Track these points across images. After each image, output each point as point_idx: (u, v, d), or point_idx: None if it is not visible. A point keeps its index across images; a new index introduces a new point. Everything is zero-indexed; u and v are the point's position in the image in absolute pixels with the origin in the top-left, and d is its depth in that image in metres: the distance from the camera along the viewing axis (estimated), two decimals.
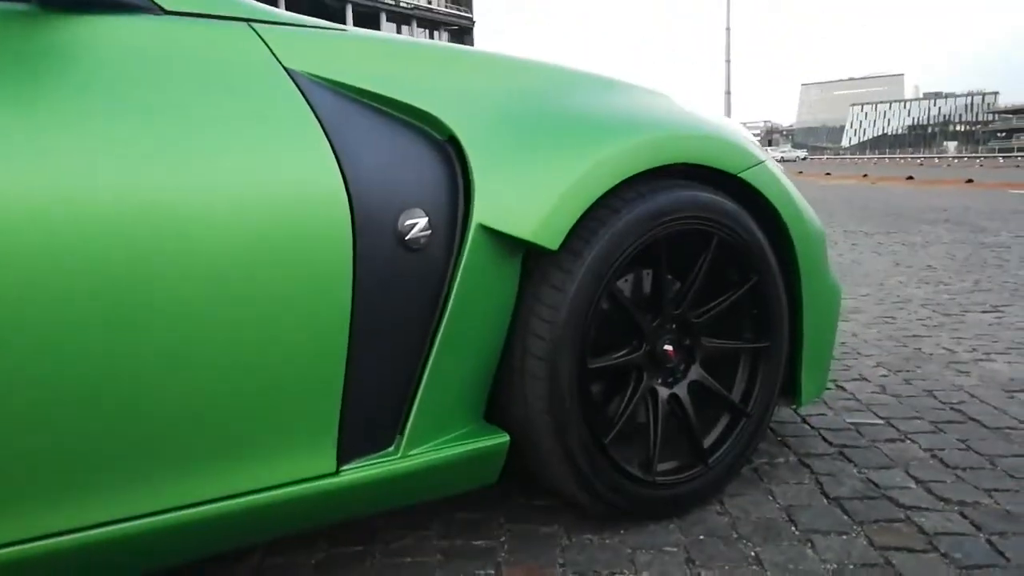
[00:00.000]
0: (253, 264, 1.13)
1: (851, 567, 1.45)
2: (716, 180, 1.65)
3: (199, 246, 1.09)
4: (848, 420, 2.21)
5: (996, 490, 1.76)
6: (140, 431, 1.09)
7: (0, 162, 0.98)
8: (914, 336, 3.23)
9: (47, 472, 1.04)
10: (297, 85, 1.22)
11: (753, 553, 1.51)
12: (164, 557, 1.15)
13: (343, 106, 1.26)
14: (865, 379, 2.62)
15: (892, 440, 2.06)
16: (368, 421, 1.28)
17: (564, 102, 1.50)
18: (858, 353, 2.97)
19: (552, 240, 1.38)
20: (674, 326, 1.65)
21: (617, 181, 1.46)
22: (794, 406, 1.94)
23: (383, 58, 1.34)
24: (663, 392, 1.64)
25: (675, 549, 1.52)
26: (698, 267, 1.63)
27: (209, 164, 1.10)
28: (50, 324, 1.01)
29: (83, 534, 1.07)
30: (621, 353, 1.57)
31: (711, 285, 1.69)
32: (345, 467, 1.26)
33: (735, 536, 1.57)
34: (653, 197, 1.52)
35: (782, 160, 59.69)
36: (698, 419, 1.69)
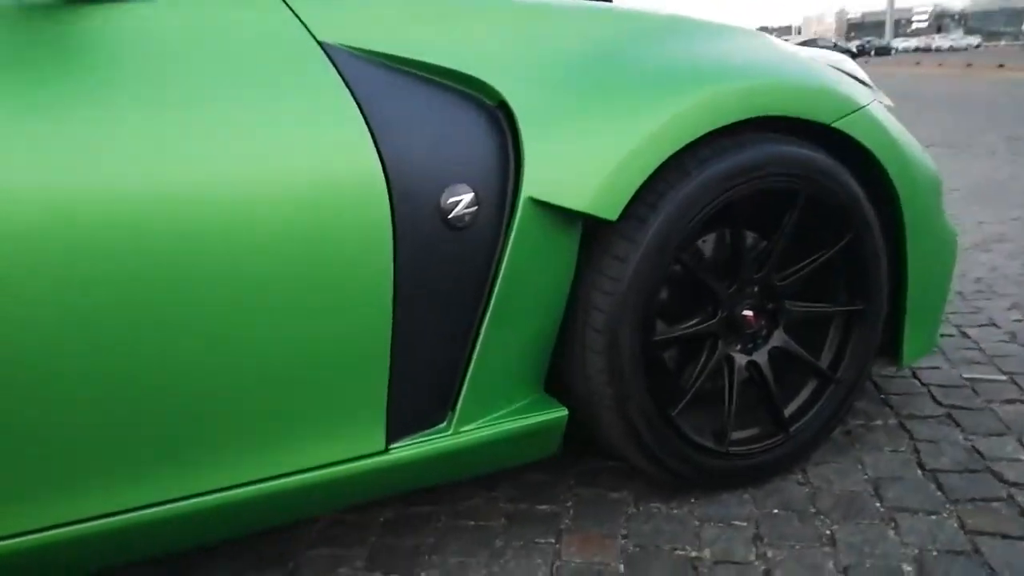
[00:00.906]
0: (290, 245, 1.13)
1: (934, 553, 1.36)
2: (810, 130, 1.52)
3: (234, 230, 1.10)
4: (965, 375, 2.05)
5: None
6: (188, 416, 1.13)
7: (32, 153, 1.01)
8: None
9: (107, 453, 1.10)
10: (330, 58, 1.19)
11: (828, 532, 1.44)
12: (220, 532, 1.21)
13: (380, 77, 1.22)
14: (995, 324, 2.41)
15: (1011, 401, 1.89)
16: (417, 399, 1.29)
17: (626, 53, 1.39)
18: (993, 292, 2.73)
19: (611, 211, 1.31)
20: (756, 289, 1.55)
21: (687, 141, 1.36)
22: (896, 367, 1.81)
23: (422, 20, 1.28)
24: (740, 359, 1.56)
25: (745, 524, 1.47)
26: (783, 227, 1.51)
27: (238, 147, 1.10)
28: (96, 306, 1.05)
29: (154, 509, 1.14)
30: (692, 323, 1.50)
31: (800, 245, 1.58)
32: (395, 445, 1.28)
33: (812, 511, 1.50)
34: (730, 154, 1.41)
35: (950, 49, 54.55)
36: (782, 385, 1.60)
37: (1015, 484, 1.54)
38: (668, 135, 1.34)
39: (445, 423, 1.32)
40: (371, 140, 1.17)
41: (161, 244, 1.07)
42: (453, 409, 1.32)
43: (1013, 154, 5.94)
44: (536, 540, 1.46)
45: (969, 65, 23.74)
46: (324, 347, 1.18)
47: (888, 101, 1.77)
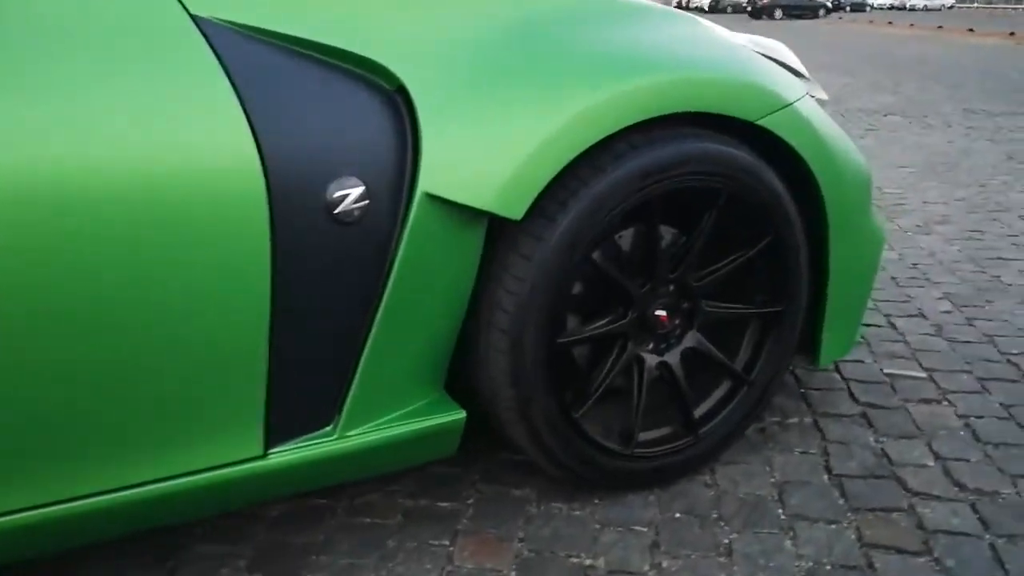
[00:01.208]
0: (156, 242, 1.05)
1: (827, 567, 1.35)
2: (734, 125, 1.45)
3: (94, 227, 1.01)
4: (886, 370, 2.04)
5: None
6: (52, 418, 1.06)
7: None
8: (999, 259, 2.93)
9: None
10: (204, 35, 1.09)
11: (727, 540, 1.41)
12: (91, 535, 1.15)
13: (261, 57, 1.12)
14: (923, 315, 2.40)
15: (927, 400, 1.88)
16: (300, 403, 1.22)
17: (538, 39, 1.31)
18: (927, 279, 2.72)
19: (515, 209, 1.24)
20: (672, 289, 1.50)
21: (599, 137, 1.29)
22: (811, 366, 1.78)
23: None
24: (651, 360, 1.52)
25: (645, 529, 1.45)
26: (701, 226, 1.46)
27: (96, 136, 1.01)
28: None
29: (23, 514, 1.07)
30: (600, 323, 1.44)
31: (720, 244, 1.52)
32: (275, 450, 1.22)
33: (715, 516, 1.48)
34: (648, 151, 1.34)
35: (925, 9, 54.49)
36: (694, 386, 1.57)
37: (917, 493, 1.53)
38: (580, 130, 1.26)
39: (331, 427, 1.26)
40: (248, 127, 1.08)
41: (20, 242, 0.98)
42: (340, 412, 1.25)
43: (968, 128, 5.95)
44: (430, 542, 1.41)
45: (940, 27, 23.75)
46: (195, 349, 1.11)
47: (823, 94, 1.71)
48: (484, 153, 1.21)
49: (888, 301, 2.51)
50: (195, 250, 1.07)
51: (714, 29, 1.61)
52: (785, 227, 1.51)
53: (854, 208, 1.60)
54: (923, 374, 2.02)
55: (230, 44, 1.10)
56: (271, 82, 1.12)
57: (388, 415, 1.30)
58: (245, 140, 1.08)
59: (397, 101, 1.21)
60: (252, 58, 1.12)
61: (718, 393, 1.59)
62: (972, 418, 1.81)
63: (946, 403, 1.88)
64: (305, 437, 1.25)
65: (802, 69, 1.71)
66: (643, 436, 1.53)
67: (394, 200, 1.20)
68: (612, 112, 1.29)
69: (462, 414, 1.35)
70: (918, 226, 3.36)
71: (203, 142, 1.06)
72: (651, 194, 1.36)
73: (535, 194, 1.25)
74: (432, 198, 1.20)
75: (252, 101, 1.09)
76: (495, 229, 1.32)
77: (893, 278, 2.72)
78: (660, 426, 1.56)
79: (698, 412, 1.57)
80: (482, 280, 1.34)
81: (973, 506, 1.50)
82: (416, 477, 1.59)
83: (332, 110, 1.15)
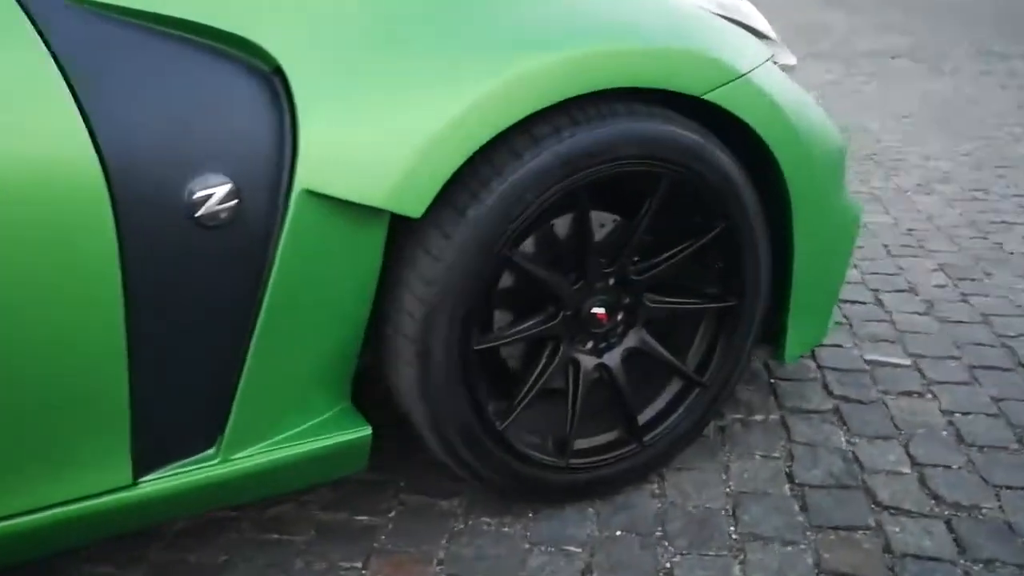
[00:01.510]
0: None
1: None
2: (682, 101, 1.27)
3: None
4: (867, 356, 1.88)
5: (1009, 487, 1.44)
6: None
7: None
8: (1002, 223, 2.74)
9: None
10: (22, 5, 0.92)
11: (668, 564, 1.28)
12: None
13: (98, 34, 0.95)
14: (914, 291, 2.23)
15: (909, 393, 1.73)
16: (172, 427, 1.08)
17: (445, 8, 1.13)
18: (921, 247, 2.54)
19: (414, 206, 1.08)
20: (611, 284, 1.34)
21: (512, 120, 1.11)
22: (776, 359, 1.63)
23: None
24: (587, 362, 1.36)
25: (579, 550, 1.31)
26: (638, 217, 1.29)
27: None
28: None
29: None
30: (525, 326, 1.29)
31: (666, 234, 1.36)
32: (146, 478, 1.08)
33: (658, 534, 1.34)
34: (573, 134, 1.17)
35: None
36: (639, 389, 1.42)
37: (887, 507, 1.39)
38: (490, 112, 1.09)
39: (214, 450, 1.12)
40: (79, 115, 0.92)
41: None
42: (222, 435, 1.11)
43: (980, 72, 5.66)
44: (341, 564, 1.28)
45: None
46: (43, 375, 0.97)
47: (791, 58, 1.51)
48: (374, 141, 1.05)
49: (877, 274, 2.33)
50: (27, 263, 0.92)
51: None
52: (739, 213, 1.34)
53: (821, 188, 1.42)
54: (907, 361, 1.86)
55: (57, 17, 0.93)
56: (110, 63, 0.95)
57: (280, 434, 1.16)
58: (75, 131, 0.91)
59: (274, 84, 1.04)
60: (85, 35, 0.94)
61: (667, 396, 1.44)
62: (957, 414, 1.65)
63: (930, 396, 1.72)
64: (183, 463, 1.11)
65: (768, 30, 1.52)
66: (582, 444, 1.38)
67: (270, 199, 1.03)
68: (528, 91, 1.11)
69: (367, 430, 1.20)
70: (918, 185, 3.15)
71: (24, 134, 0.89)
72: (578, 183, 1.19)
73: (437, 187, 1.08)
74: (314, 195, 1.03)
75: (85, 85, 0.93)
76: (401, 224, 1.16)
77: (885, 246, 2.54)
78: (601, 432, 1.41)
79: (644, 417, 1.42)
80: (387, 281, 1.19)
81: (949, 523, 1.35)
82: (335, 485, 1.46)
83: (192, 96, 0.98)
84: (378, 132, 1.05)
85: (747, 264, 1.38)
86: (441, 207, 1.15)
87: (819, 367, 1.83)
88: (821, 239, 1.46)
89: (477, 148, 1.10)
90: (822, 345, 1.91)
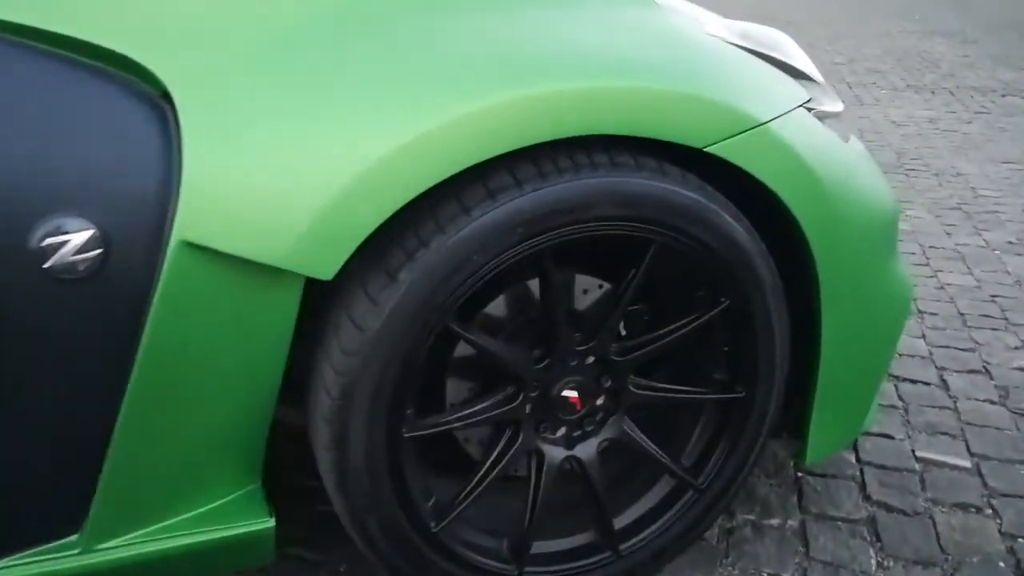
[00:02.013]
0: None
1: None
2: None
3: None
4: (919, 453, 1.59)
5: None
6: None
7: None
8: None
9: None
10: None
11: None
12: None
13: None
14: (988, 372, 1.92)
15: (965, 506, 1.44)
16: (27, 508, 0.92)
17: (388, 28, 0.94)
18: (1005, 318, 2.20)
19: (321, 266, 0.89)
20: (589, 362, 1.12)
21: (455, 169, 0.91)
22: (797, 459, 1.38)
23: None
24: (554, 453, 1.14)
25: None
26: (620, 290, 1.07)
27: None
28: None
29: None
30: (473, 410, 1.08)
31: (663, 308, 1.14)
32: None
33: None
34: (538, 188, 0.96)
35: None
36: (622, 485, 1.20)
37: None
38: (425, 157, 0.89)
39: (77, 537, 0.95)
40: None
41: None
42: (87, 520, 0.94)
43: None
44: None
45: None
46: None
47: (835, 104, 1.26)
48: (275, 187, 0.86)
49: (947, 348, 2.03)
50: None
51: (678, 14, 1.19)
52: (751, 287, 1.10)
53: (858, 258, 1.17)
54: (968, 463, 1.57)
55: None
56: None
57: (160, 521, 0.98)
58: None
59: (160, 113, 0.86)
60: None
61: (654, 497, 1.21)
62: (1020, 539, 1.36)
63: (989, 512, 1.43)
64: (40, 549, 0.94)
65: (811, 71, 1.27)
66: (543, 548, 1.17)
67: (151, 249, 0.86)
68: (481, 132, 0.91)
69: (269, 523, 1.02)
70: (1010, 243, 2.80)
71: None
72: (542, 245, 0.98)
73: (352, 246, 0.89)
74: (197, 248, 0.85)
75: None
76: (324, 283, 0.97)
77: (961, 314, 2.23)
78: (568, 535, 1.19)
79: (623, 521, 1.19)
80: (314, 348, 1.00)
81: None
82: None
83: (52, 121, 0.82)
84: (281, 176, 0.86)
85: (761, 348, 1.14)
86: (368, 266, 0.96)
87: (858, 461, 1.56)
88: (857, 319, 1.21)
89: (408, 200, 0.90)
90: (868, 434, 1.64)
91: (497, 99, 0.91)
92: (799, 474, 1.52)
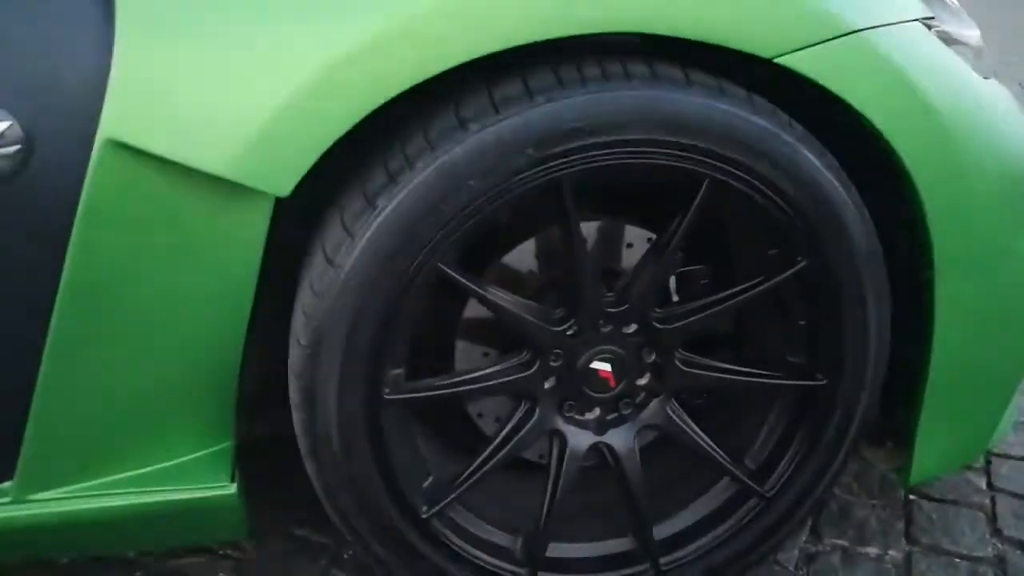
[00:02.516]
0: None
1: None
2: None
3: None
4: None
5: None
6: None
7: None
8: None
9: None
10: None
11: None
12: None
13: None
14: None
15: None
16: None
17: None
18: None
19: (273, 179, 0.74)
20: (629, 330, 0.91)
21: (447, 66, 0.74)
22: (901, 485, 1.11)
23: None
24: (579, 438, 0.94)
25: None
26: (666, 236, 0.87)
27: None
28: None
29: None
30: (469, 376, 0.90)
31: (720, 268, 0.93)
32: None
33: None
34: (554, 99, 0.77)
35: None
36: (670, 485, 0.99)
37: None
38: (408, 50, 0.73)
39: (9, 483, 0.84)
40: None
41: None
42: (15, 466, 0.83)
43: None
44: None
45: None
46: None
47: (971, 29, 1.00)
48: (220, 79, 0.72)
49: None
50: None
51: None
52: (838, 248, 0.87)
53: (988, 223, 0.91)
54: None
55: None
56: None
57: (105, 475, 0.86)
58: None
59: None
60: None
61: (709, 503, 0.99)
62: None
63: None
64: None
65: None
66: (565, 551, 0.97)
67: (81, 147, 0.73)
68: (480, 18, 0.73)
69: (229, 488, 0.87)
70: None
71: None
72: (558, 172, 0.79)
73: (311, 157, 0.74)
74: (128, 149, 0.72)
75: None
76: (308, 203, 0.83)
77: None
78: (599, 538, 0.99)
79: (667, 529, 0.98)
80: (279, 288, 0.86)
81: None
82: (260, 537, 1.14)
83: None
84: (229, 66, 0.72)
85: (848, 325, 0.91)
86: (347, 189, 0.80)
87: (990, 487, 1.27)
88: (982, 303, 0.94)
89: (385, 99, 0.73)
90: (998, 454, 1.33)
91: None
92: (910, 496, 1.24)
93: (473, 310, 0.93)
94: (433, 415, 0.98)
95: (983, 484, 1.28)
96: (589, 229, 0.91)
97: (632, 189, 0.91)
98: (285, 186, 0.74)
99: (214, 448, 0.90)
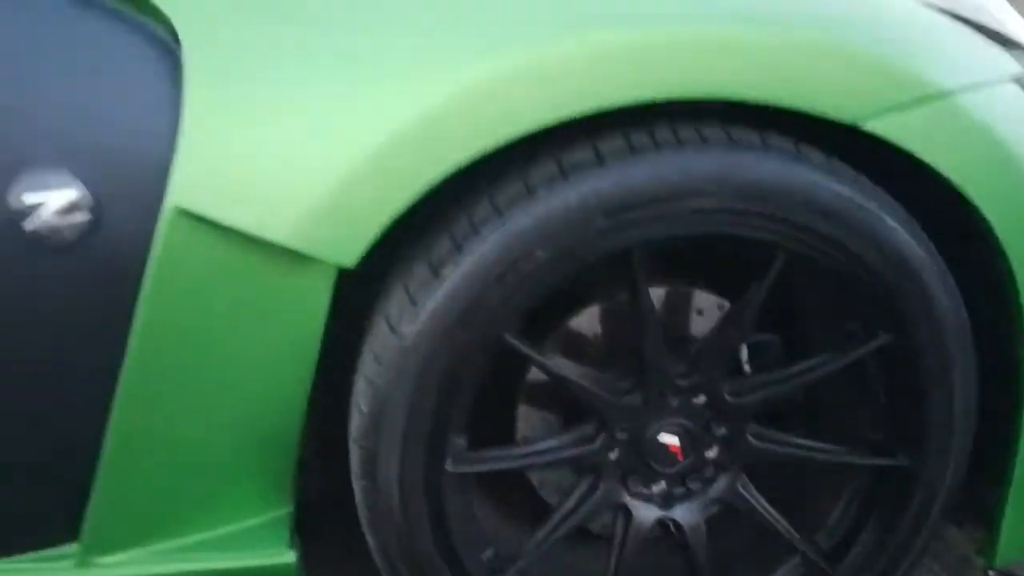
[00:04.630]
0: None
1: None
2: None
3: None
4: None
5: None
6: None
7: None
8: None
9: None
10: None
11: None
12: None
13: None
14: None
15: None
16: (17, 510, 0.82)
17: None
18: None
19: (339, 249, 0.73)
20: (698, 402, 0.88)
21: (518, 133, 0.73)
22: (988, 568, 1.05)
23: None
24: (645, 513, 0.90)
25: None
26: (738, 307, 0.83)
27: None
28: None
29: None
30: (533, 449, 0.87)
31: (798, 340, 0.89)
32: None
33: None
34: (625, 167, 0.75)
35: None
36: (738, 561, 0.94)
37: None
38: (476, 119, 0.72)
39: (74, 547, 0.83)
40: None
41: None
42: (80, 529, 0.83)
43: None
44: None
45: None
46: None
47: None
48: (287, 149, 0.71)
49: None
50: None
51: None
52: (921, 320, 0.82)
53: None
54: None
55: None
56: None
57: (168, 540, 0.84)
58: None
59: (170, 59, 0.74)
60: None
61: None
62: None
63: None
64: (34, 556, 0.83)
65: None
66: None
67: (149, 217, 0.73)
68: (554, 86, 0.72)
69: (289, 557, 0.86)
70: None
71: None
72: (629, 240, 0.77)
73: (377, 226, 0.72)
74: (194, 218, 0.72)
75: None
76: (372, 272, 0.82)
77: None
78: None
79: None
80: (344, 357, 0.85)
81: None
82: None
83: (27, 64, 0.72)
84: (296, 135, 0.71)
85: (932, 404, 0.86)
86: (412, 257, 0.79)
87: None
88: None
89: (453, 169, 0.72)
90: None
91: (579, 44, 0.72)
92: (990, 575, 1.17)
93: (536, 374, 0.90)
94: (493, 482, 0.95)
95: None
96: (657, 294, 0.88)
97: (703, 254, 0.88)
98: (350, 256, 0.73)
99: (274, 514, 0.88)
